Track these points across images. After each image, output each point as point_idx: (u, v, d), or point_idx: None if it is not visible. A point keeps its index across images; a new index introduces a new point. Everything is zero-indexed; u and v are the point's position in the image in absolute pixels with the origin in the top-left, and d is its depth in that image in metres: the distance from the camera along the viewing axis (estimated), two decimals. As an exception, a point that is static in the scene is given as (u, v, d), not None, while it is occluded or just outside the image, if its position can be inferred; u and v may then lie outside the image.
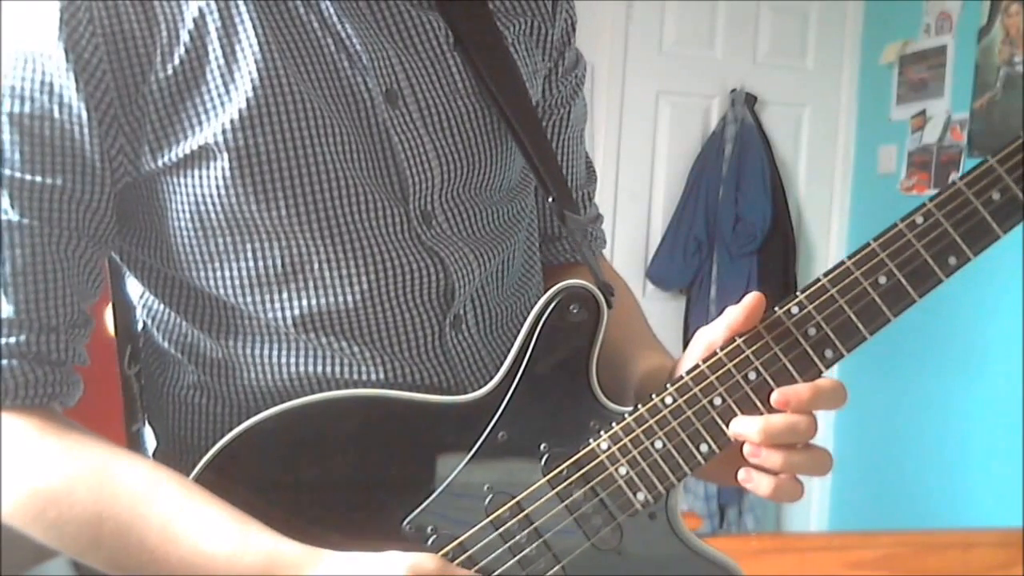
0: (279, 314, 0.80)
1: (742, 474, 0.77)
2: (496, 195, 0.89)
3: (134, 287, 0.87)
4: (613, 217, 3.49)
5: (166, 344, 0.85)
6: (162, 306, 0.84)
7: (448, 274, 0.84)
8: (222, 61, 0.76)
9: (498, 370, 0.80)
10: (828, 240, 3.69)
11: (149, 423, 0.89)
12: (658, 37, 3.51)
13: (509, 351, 0.80)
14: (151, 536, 0.72)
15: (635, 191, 3.54)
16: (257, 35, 0.77)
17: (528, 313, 0.92)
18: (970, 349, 2.95)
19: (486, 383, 0.80)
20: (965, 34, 3.04)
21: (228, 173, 0.76)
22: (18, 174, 0.74)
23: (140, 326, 0.88)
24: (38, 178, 0.75)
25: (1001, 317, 2.80)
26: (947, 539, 2.10)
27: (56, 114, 0.74)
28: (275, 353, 0.81)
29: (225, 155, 0.76)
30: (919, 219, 0.75)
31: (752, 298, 0.77)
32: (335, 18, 0.80)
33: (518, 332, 0.80)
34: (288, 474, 0.78)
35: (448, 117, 0.85)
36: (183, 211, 0.78)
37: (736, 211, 3.43)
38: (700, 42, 3.54)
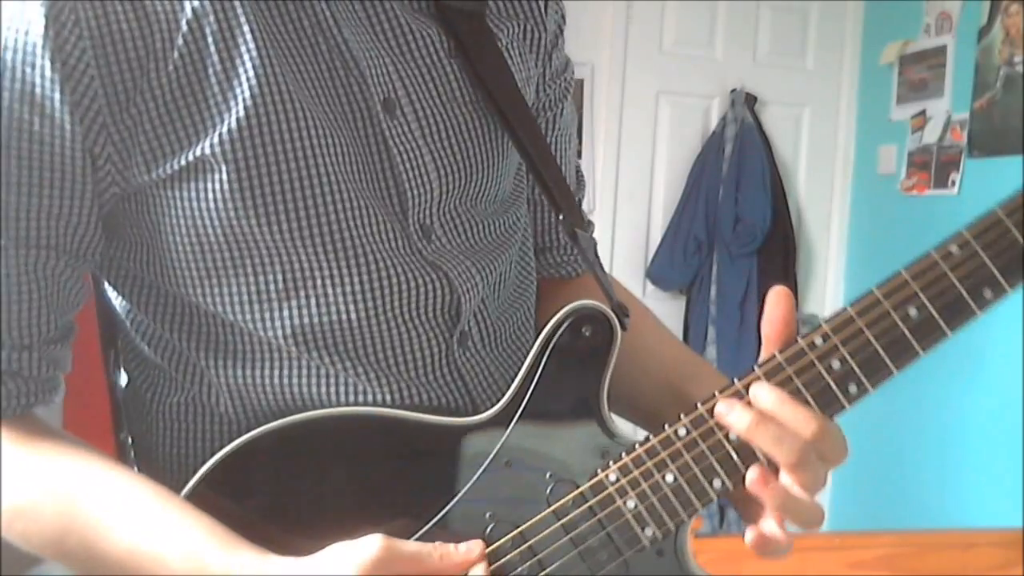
0: (279, 332, 0.76)
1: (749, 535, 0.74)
2: (491, 206, 0.86)
3: (112, 290, 0.83)
4: (613, 217, 3.49)
5: (156, 356, 0.81)
6: (151, 321, 0.80)
7: (453, 288, 0.80)
8: (219, 68, 0.72)
9: (509, 389, 0.77)
10: (828, 240, 3.69)
11: (131, 435, 0.86)
12: (658, 37, 3.50)
13: (517, 367, 0.77)
14: (114, 553, 0.71)
15: (635, 191, 3.54)
16: (255, 39, 0.73)
17: (526, 325, 0.89)
18: (970, 349, 2.94)
19: (499, 403, 0.77)
20: (965, 34, 3.04)
21: (227, 186, 0.72)
22: None
23: (124, 334, 0.84)
24: (12, 197, 0.70)
25: (1001, 317, 2.79)
26: (947, 539, 2.10)
27: (36, 127, 0.70)
28: (275, 374, 0.78)
29: (224, 167, 0.72)
30: (954, 248, 0.71)
31: (775, 294, 0.73)
32: (331, 21, 0.77)
33: (522, 346, 0.76)
34: (283, 493, 0.75)
35: (446, 127, 0.82)
36: (179, 226, 0.74)
37: (736, 211, 3.43)
38: (700, 42, 3.54)
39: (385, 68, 0.79)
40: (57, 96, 0.69)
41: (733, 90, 3.51)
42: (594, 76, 3.44)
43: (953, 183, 3.06)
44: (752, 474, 0.71)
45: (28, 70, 0.69)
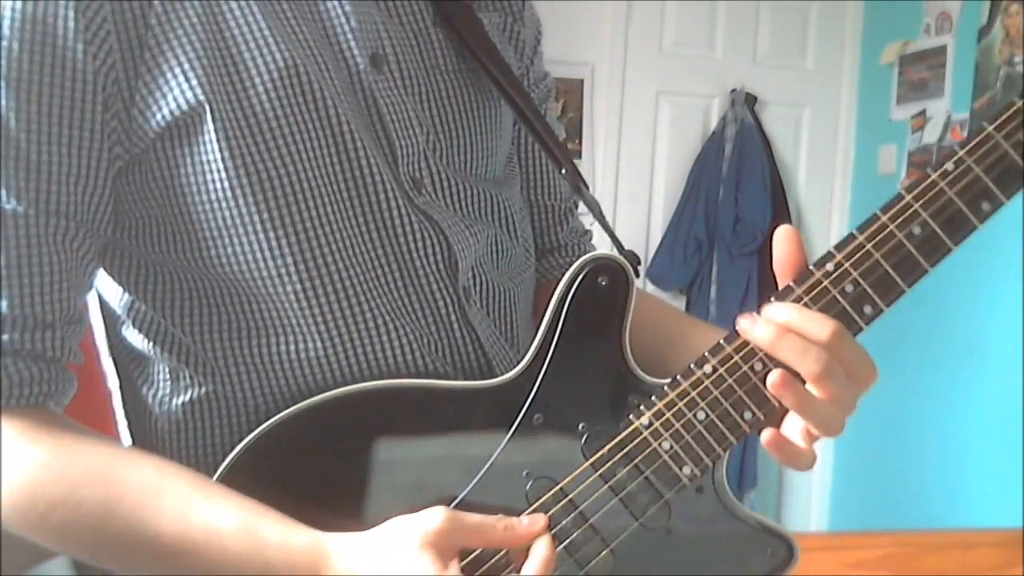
0: (292, 286, 0.76)
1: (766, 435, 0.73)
2: (481, 181, 0.87)
3: (111, 291, 0.82)
4: (613, 217, 3.49)
5: (161, 355, 0.80)
6: (159, 315, 0.80)
7: (448, 240, 0.81)
8: (203, 16, 0.74)
9: (516, 351, 0.77)
10: (828, 240, 3.68)
11: (131, 436, 0.84)
12: (658, 37, 3.50)
13: (520, 333, 0.77)
14: (164, 531, 0.70)
15: (635, 191, 3.54)
16: None
17: (523, 305, 0.89)
18: (970, 348, 2.94)
19: (510, 363, 0.77)
20: (965, 34, 3.04)
21: (222, 134, 0.73)
22: (14, 151, 0.70)
23: (123, 337, 0.83)
24: (34, 153, 0.71)
25: (1001, 315, 2.79)
26: (947, 539, 2.10)
27: (58, 78, 0.71)
28: (291, 348, 0.77)
29: (218, 115, 0.73)
30: (950, 167, 0.73)
31: (780, 233, 0.76)
32: None
33: (518, 324, 0.75)
34: (317, 470, 0.75)
35: (429, 90, 0.84)
36: (187, 186, 0.75)
37: (736, 211, 3.43)
38: (700, 42, 3.54)
39: (375, 25, 0.81)
40: (81, 48, 0.71)
41: (733, 90, 3.51)
42: (594, 76, 3.44)
43: (953, 183, 3.06)
44: (774, 376, 0.72)
45: (51, 20, 0.70)
